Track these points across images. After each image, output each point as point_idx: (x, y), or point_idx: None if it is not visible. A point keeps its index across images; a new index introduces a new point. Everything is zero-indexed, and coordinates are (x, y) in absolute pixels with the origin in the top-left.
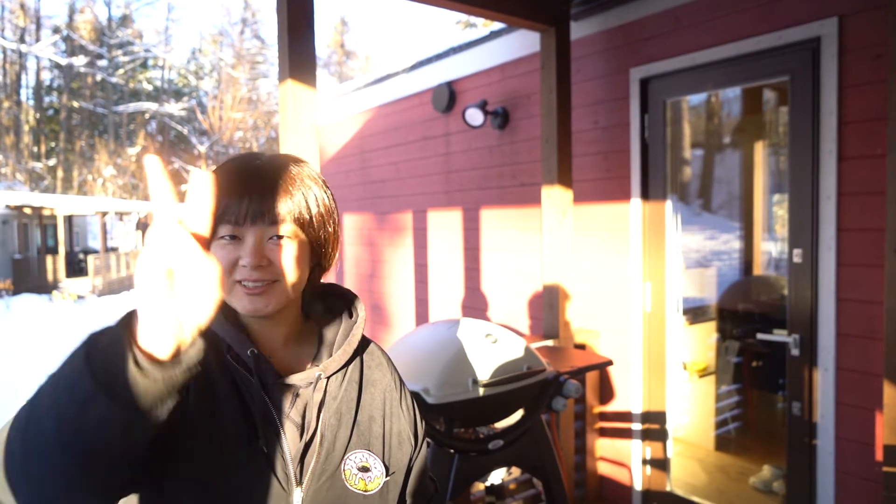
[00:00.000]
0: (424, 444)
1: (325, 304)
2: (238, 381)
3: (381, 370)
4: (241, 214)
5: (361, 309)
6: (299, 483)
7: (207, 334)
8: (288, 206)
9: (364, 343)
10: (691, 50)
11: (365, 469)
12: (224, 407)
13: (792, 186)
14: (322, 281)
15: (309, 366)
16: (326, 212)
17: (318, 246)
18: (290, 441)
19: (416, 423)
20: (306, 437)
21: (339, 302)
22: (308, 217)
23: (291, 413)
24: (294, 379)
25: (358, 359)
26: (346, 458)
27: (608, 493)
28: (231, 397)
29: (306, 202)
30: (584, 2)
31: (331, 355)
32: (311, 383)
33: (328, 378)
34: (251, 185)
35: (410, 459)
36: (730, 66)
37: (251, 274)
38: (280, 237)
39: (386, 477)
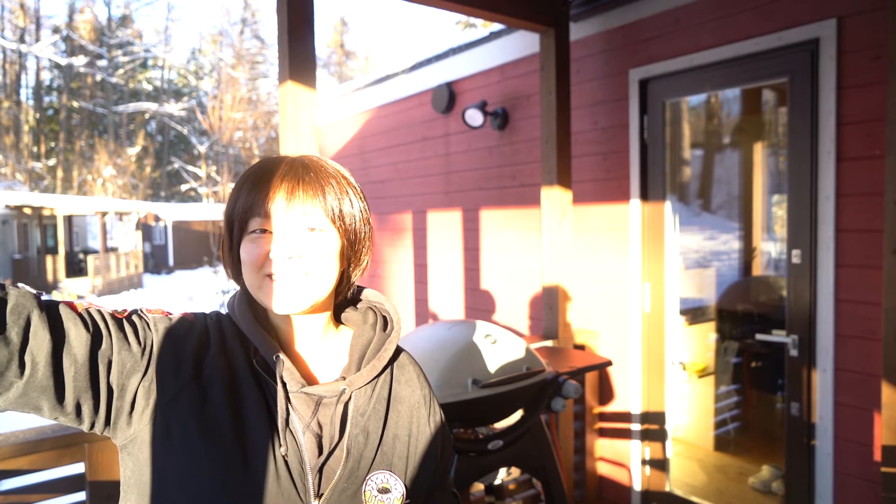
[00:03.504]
0: (447, 463)
1: (359, 311)
2: (263, 386)
3: (410, 386)
4: (270, 207)
5: (398, 321)
6: (318, 496)
7: (237, 336)
8: (320, 198)
9: (396, 355)
10: (690, 51)
11: (385, 490)
12: (250, 409)
13: (791, 187)
14: (359, 285)
15: (336, 378)
16: (360, 210)
17: (351, 244)
18: (309, 452)
19: (442, 440)
20: (327, 449)
21: (375, 310)
22: (340, 210)
23: (312, 423)
24: (317, 389)
25: (388, 372)
26: (368, 477)
27: (608, 493)
28: (258, 400)
29: (338, 196)
30: (584, 3)
31: (359, 368)
32: (336, 396)
33: (354, 392)
34: (280, 177)
35: (432, 478)
36: (729, 67)
37: (281, 266)
38: (311, 229)
39: (406, 500)
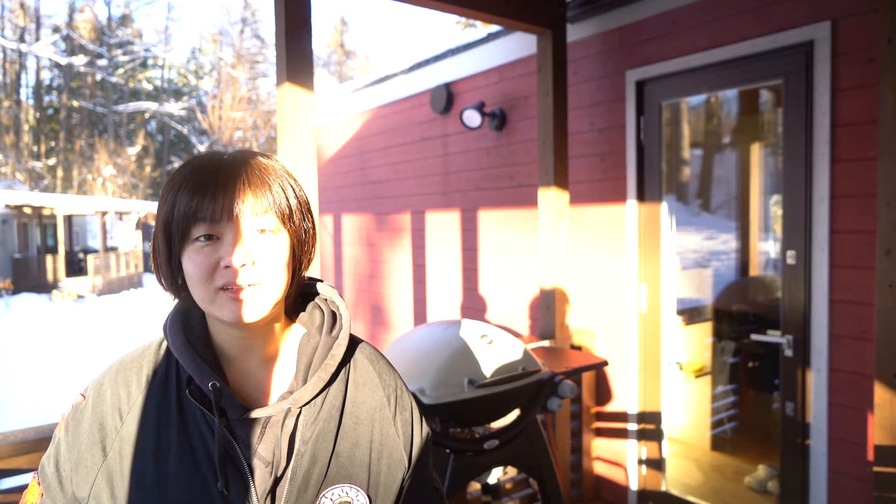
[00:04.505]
0: (423, 458)
1: (307, 310)
2: (197, 419)
3: (369, 387)
4: (217, 210)
5: (347, 319)
6: None
7: (173, 364)
8: (268, 198)
9: (349, 355)
10: (687, 52)
11: None
12: (175, 453)
13: (785, 188)
14: (311, 277)
15: (284, 392)
16: (305, 204)
17: (301, 243)
18: (258, 479)
19: (411, 441)
20: (276, 472)
21: (324, 307)
22: (289, 209)
23: (260, 448)
24: (260, 413)
25: (341, 378)
26: (321, 496)
27: (604, 492)
28: (188, 437)
29: (284, 193)
30: (581, 4)
31: (306, 380)
32: (282, 416)
33: (302, 407)
34: (224, 178)
35: (403, 480)
36: (725, 68)
37: (235, 276)
38: (262, 232)
39: None
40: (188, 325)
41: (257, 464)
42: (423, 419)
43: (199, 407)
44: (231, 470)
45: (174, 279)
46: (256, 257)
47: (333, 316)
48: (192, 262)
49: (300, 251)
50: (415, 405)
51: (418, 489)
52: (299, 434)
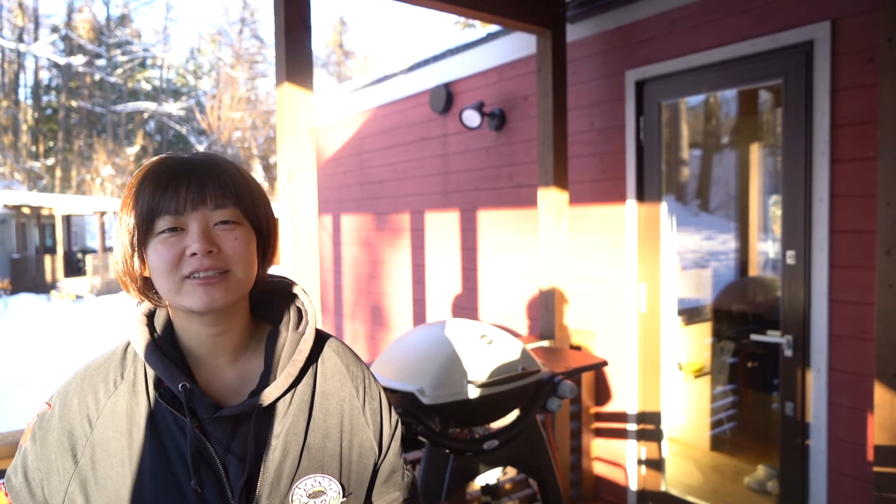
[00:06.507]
0: (394, 445)
1: (274, 307)
2: (168, 421)
3: (337, 379)
4: (181, 202)
5: (313, 314)
6: None
7: (142, 369)
8: (230, 189)
9: (317, 350)
10: (686, 52)
11: (318, 494)
12: (148, 454)
13: (785, 188)
14: (270, 273)
15: (253, 387)
16: (265, 200)
17: (263, 239)
18: (232, 476)
19: (381, 429)
20: (250, 468)
21: (287, 304)
22: (251, 202)
23: (233, 445)
24: (231, 411)
25: (311, 371)
26: (294, 487)
27: (604, 492)
28: (161, 438)
29: (247, 187)
30: (581, 4)
31: (275, 376)
32: (251, 414)
33: (272, 403)
34: (186, 172)
35: (375, 466)
36: (724, 68)
37: (202, 262)
38: (226, 222)
39: (343, 498)
40: (153, 327)
41: (231, 461)
42: (392, 407)
43: (169, 409)
44: (204, 469)
45: (141, 281)
46: (221, 245)
47: (299, 312)
48: (158, 253)
49: (263, 244)
50: (383, 394)
51: (390, 475)
52: (272, 427)
